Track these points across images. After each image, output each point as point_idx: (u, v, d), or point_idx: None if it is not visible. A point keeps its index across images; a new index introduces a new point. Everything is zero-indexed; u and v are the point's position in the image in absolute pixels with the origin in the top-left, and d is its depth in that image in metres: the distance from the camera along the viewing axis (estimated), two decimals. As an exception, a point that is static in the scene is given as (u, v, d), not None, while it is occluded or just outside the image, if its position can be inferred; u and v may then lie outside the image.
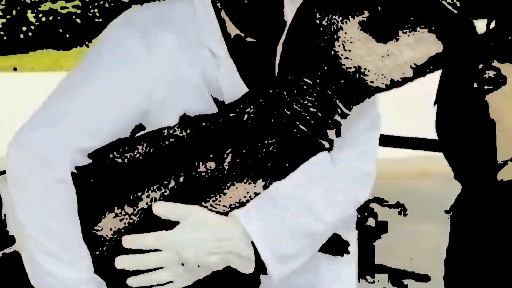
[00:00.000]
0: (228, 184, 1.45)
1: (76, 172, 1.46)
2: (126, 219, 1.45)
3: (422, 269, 4.80)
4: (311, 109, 1.45)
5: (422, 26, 1.37)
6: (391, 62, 1.39)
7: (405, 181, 7.60)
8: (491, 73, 2.19)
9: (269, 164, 1.46)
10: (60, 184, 1.44)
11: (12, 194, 1.45)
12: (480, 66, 2.21)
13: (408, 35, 1.37)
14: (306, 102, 1.45)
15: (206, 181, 1.44)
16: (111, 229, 1.45)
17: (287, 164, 1.47)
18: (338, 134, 1.50)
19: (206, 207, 1.45)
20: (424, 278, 4.73)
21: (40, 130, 1.45)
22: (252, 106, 1.47)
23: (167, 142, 1.46)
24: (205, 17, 1.53)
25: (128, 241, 1.44)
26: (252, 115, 1.46)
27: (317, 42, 1.42)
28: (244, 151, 1.45)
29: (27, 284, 1.46)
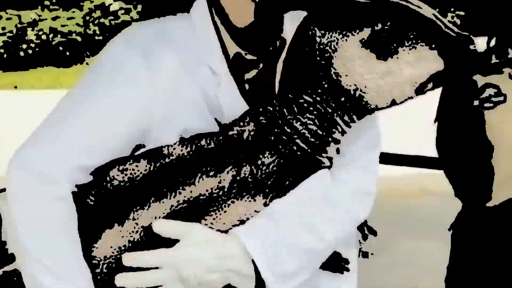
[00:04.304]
0: (228, 202, 1.44)
1: (76, 190, 1.46)
2: (126, 236, 1.44)
3: (423, 287, 4.78)
4: (311, 126, 1.45)
5: (422, 43, 1.37)
6: (391, 79, 1.39)
7: (405, 199, 7.58)
8: (491, 91, 2.20)
9: (269, 182, 1.45)
10: (60, 202, 1.44)
11: (12, 212, 1.44)
12: (480, 84, 2.22)
13: (408, 53, 1.37)
14: (306, 119, 1.45)
15: (206, 199, 1.44)
16: (111, 247, 1.45)
17: (287, 182, 1.47)
18: (338, 152, 1.49)
19: (206, 224, 1.44)
20: (425, 296, 4.72)
21: (40, 148, 1.45)
22: (252, 124, 1.47)
23: (167, 160, 1.46)
24: (205, 35, 1.54)
25: (128, 259, 1.43)
26: (252, 133, 1.46)
27: (317, 59, 1.42)
28: (244, 168, 1.45)
29: (27, 302, 1.46)
